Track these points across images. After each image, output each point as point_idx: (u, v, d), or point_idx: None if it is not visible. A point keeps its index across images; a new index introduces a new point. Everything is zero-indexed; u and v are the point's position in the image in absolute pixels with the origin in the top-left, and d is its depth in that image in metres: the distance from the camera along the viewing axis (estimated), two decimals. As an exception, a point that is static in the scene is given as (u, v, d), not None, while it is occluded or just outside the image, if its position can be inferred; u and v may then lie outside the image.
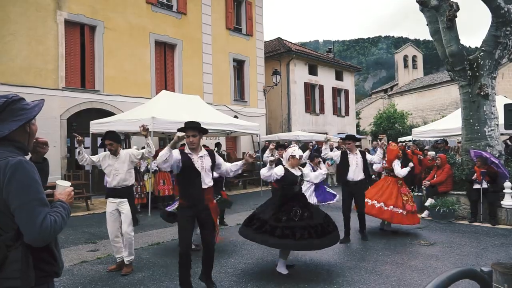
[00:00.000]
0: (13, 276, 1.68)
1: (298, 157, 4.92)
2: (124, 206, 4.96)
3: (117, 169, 4.99)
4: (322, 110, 23.18)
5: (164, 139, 14.47)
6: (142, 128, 4.91)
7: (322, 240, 4.54)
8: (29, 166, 1.76)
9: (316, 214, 4.76)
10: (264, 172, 4.73)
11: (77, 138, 5.13)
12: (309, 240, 4.42)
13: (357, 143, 7.67)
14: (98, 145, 13.07)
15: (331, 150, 14.92)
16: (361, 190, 6.58)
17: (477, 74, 8.97)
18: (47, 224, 1.70)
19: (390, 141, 8.92)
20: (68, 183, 2.04)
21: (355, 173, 6.43)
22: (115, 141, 5.10)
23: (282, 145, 8.03)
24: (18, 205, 1.68)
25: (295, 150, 4.99)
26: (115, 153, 5.06)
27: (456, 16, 8.90)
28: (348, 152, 6.58)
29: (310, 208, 4.85)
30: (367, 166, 6.59)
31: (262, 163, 13.95)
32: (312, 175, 5.28)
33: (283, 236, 4.39)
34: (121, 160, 5.05)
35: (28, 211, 1.68)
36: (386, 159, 7.07)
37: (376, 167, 7.19)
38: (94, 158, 5.16)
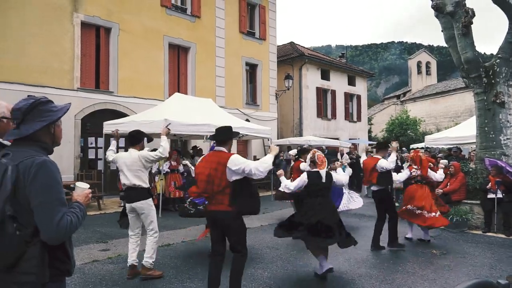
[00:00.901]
0: (30, 271, 1.73)
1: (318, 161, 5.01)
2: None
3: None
4: (334, 115, 23.07)
5: (176, 141, 14.55)
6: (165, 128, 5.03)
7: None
8: (53, 166, 1.83)
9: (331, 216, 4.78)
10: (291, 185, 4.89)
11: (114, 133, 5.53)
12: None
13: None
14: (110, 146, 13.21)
15: (342, 155, 14.85)
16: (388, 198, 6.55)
17: (493, 81, 8.84)
18: (63, 223, 1.77)
19: (415, 149, 8.83)
20: (87, 185, 2.10)
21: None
22: (138, 142, 5.14)
23: (306, 150, 7.91)
24: (39, 203, 1.75)
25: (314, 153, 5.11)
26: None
27: (472, 23, 8.79)
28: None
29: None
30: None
31: (273, 167, 13.96)
32: (341, 176, 5.27)
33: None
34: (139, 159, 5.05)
35: (47, 209, 1.75)
36: (420, 167, 6.88)
37: (401, 179, 6.75)
38: (112, 156, 5.27)
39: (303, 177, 4.91)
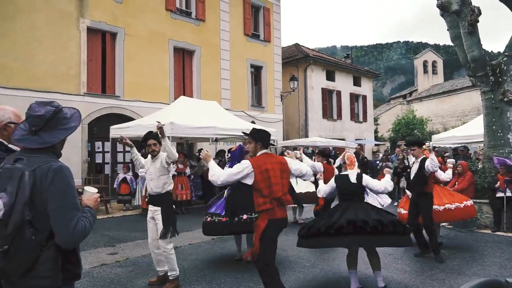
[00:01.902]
0: (44, 275, 1.76)
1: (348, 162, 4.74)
2: (158, 215, 4.55)
3: (151, 173, 4.63)
4: (339, 116, 23.02)
5: (182, 144, 14.60)
6: (158, 126, 4.42)
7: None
8: (68, 172, 1.87)
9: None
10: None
11: (125, 141, 4.89)
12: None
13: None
14: (117, 150, 13.31)
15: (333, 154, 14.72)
16: (422, 202, 5.85)
17: (500, 79, 8.77)
18: (79, 228, 1.81)
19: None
20: (95, 190, 2.12)
21: (412, 182, 5.98)
22: (159, 141, 4.62)
23: (324, 153, 7.70)
24: (55, 207, 1.78)
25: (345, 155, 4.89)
26: (156, 155, 4.63)
27: (477, 21, 8.73)
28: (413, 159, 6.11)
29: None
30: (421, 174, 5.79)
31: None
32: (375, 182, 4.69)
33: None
34: (156, 163, 4.62)
35: (63, 214, 1.78)
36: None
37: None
38: (143, 161, 4.86)
39: (331, 182, 4.72)
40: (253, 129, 4.06)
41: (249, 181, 3.63)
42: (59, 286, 1.80)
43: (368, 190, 4.83)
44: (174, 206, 9.70)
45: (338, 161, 6.99)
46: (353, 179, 4.52)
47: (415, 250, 6.15)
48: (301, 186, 8.24)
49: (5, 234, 1.68)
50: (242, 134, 4.35)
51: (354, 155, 4.97)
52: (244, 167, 3.63)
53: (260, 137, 3.83)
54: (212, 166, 3.70)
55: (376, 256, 4.49)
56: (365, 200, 4.80)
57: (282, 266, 5.44)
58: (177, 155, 4.74)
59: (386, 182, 4.64)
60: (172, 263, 4.49)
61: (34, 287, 1.76)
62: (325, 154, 7.70)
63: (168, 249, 4.46)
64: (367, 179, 4.57)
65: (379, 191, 4.60)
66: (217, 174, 3.62)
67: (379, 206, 6.31)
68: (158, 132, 4.46)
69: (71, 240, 1.79)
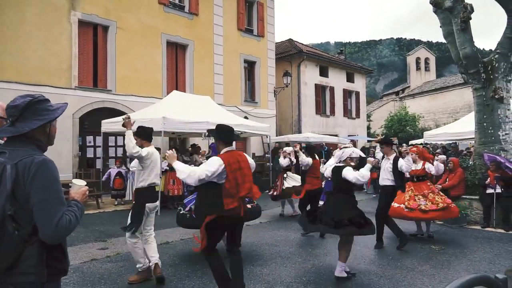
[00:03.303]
0: (28, 271, 1.72)
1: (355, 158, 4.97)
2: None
3: (133, 167, 4.72)
4: (332, 112, 23.06)
5: (175, 139, 14.54)
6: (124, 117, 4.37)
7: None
8: (52, 165, 1.82)
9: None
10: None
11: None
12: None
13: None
14: (109, 144, 13.20)
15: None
16: (383, 196, 6.41)
17: (491, 77, 8.83)
18: (62, 223, 1.76)
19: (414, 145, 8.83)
20: (84, 182, 2.08)
21: (381, 177, 6.43)
22: (138, 135, 4.67)
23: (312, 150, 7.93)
24: (38, 202, 1.73)
25: (354, 150, 5.03)
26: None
27: (470, 18, 8.78)
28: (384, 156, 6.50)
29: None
30: (396, 172, 6.15)
31: (271, 164, 13.96)
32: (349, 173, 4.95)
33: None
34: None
35: (46, 208, 1.74)
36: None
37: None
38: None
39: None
40: (217, 125, 4.01)
41: (219, 179, 3.61)
42: (44, 283, 1.76)
43: None
44: (165, 201, 9.54)
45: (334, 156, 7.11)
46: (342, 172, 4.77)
47: (407, 246, 6.19)
48: (290, 182, 8.86)
49: None
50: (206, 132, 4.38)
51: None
52: (218, 164, 3.56)
53: (218, 134, 3.86)
54: (181, 166, 3.58)
55: (346, 250, 4.71)
56: None
57: (273, 261, 5.44)
58: (133, 150, 4.39)
59: (359, 173, 4.67)
60: (136, 256, 4.52)
61: (18, 284, 1.71)
62: (312, 151, 7.82)
63: (131, 242, 4.49)
64: (345, 171, 4.71)
65: (352, 181, 4.71)
66: (194, 174, 3.48)
67: None
68: (122, 124, 4.49)
69: (54, 236, 1.75)
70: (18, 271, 1.71)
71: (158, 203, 4.82)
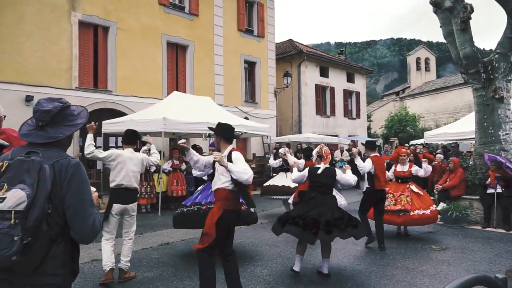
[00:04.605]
0: (54, 272, 1.74)
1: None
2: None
3: None
4: (333, 112, 23.05)
5: (175, 139, 14.54)
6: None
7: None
8: (84, 168, 1.89)
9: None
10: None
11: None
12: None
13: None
14: (110, 145, 13.21)
15: (342, 152, 14.90)
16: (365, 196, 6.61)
17: (491, 77, 8.83)
18: (96, 224, 1.83)
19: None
20: (94, 188, 2.14)
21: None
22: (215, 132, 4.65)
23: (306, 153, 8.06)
24: (74, 203, 1.77)
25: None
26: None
27: (470, 18, 8.78)
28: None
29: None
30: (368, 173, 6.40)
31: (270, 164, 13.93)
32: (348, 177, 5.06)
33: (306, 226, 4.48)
34: None
35: (83, 210, 1.79)
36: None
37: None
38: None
39: (305, 172, 5.07)
40: (218, 123, 4.05)
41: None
42: (70, 284, 1.80)
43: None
44: (168, 201, 9.52)
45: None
46: (319, 171, 4.88)
47: (408, 246, 6.19)
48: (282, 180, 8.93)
49: (27, 226, 1.62)
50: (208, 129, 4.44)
51: (329, 151, 5.28)
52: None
53: (220, 131, 3.92)
54: (237, 167, 3.60)
55: (328, 245, 4.83)
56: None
57: (274, 262, 5.45)
58: (85, 151, 4.71)
59: (352, 177, 5.03)
60: (103, 255, 4.60)
61: (44, 285, 1.71)
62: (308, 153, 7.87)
63: (102, 240, 4.64)
64: (339, 174, 4.93)
65: (346, 183, 4.96)
66: (251, 173, 3.62)
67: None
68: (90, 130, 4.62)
69: (90, 236, 1.81)
70: (44, 271, 1.71)
71: (130, 206, 4.69)
